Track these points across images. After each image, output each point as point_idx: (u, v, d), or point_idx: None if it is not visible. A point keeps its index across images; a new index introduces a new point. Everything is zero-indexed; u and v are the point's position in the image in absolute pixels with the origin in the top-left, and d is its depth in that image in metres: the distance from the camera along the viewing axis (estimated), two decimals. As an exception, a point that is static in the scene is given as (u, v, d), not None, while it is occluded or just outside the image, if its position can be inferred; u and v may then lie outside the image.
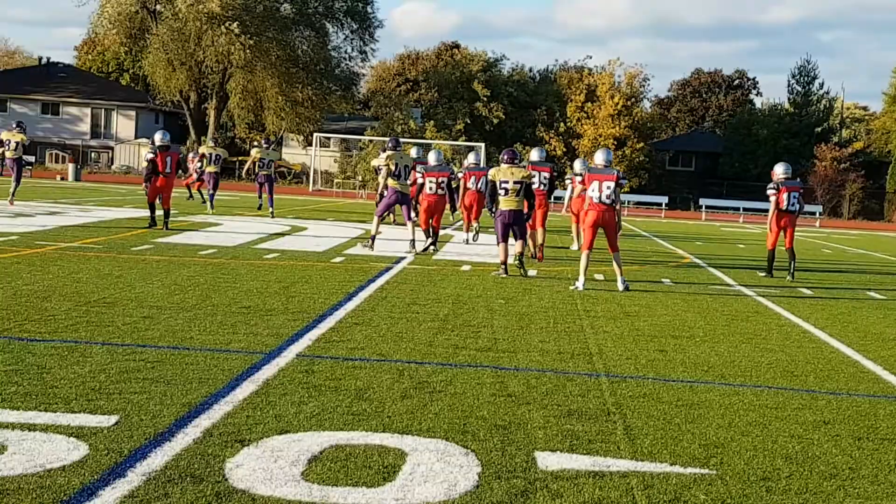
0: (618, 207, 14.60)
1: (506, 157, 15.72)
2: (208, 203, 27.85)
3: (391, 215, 25.18)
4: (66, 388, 6.85)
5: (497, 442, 6.22)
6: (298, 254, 16.92)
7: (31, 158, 56.64)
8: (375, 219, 18.70)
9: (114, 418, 6.21)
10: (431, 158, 19.88)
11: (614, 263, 14.72)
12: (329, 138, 66.33)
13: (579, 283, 14.34)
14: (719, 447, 6.46)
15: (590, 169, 14.89)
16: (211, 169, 28.17)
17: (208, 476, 5.25)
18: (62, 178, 48.62)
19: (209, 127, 65.01)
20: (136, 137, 68.40)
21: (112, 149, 66.85)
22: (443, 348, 9.13)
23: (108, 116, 70.48)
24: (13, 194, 25.63)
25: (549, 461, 5.89)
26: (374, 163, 19.31)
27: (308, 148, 66.48)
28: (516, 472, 5.63)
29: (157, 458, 5.48)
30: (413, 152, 21.53)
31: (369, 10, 66.00)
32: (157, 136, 20.39)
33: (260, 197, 28.52)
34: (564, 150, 70.36)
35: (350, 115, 71.92)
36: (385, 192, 18.37)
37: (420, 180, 19.25)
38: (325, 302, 11.46)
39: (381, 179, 18.54)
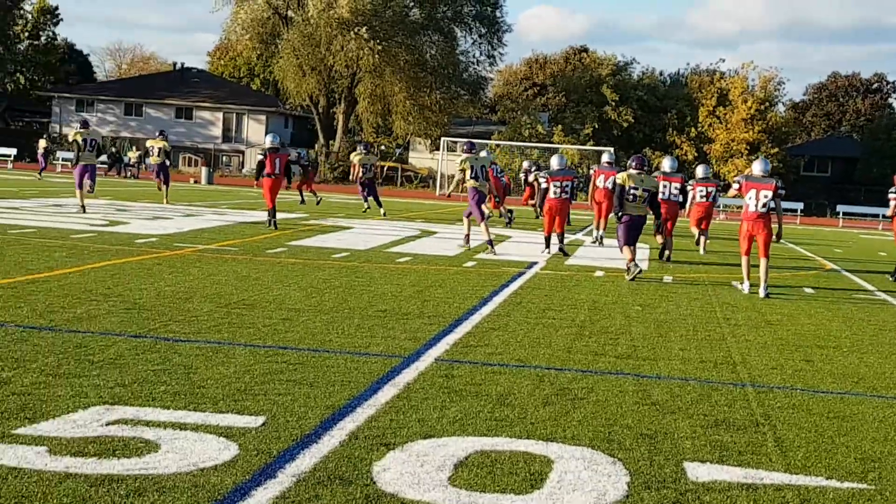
0: (776, 216, 14.67)
1: (635, 163, 15.94)
2: (377, 207, 28.26)
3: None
4: (213, 389, 6.94)
5: (644, 451, 6.09)
6: (430, 258, 16.95)
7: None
8: (465, 220, 19.30)
9: (261, 419, 6.27)
10: (555, 162, 19.75)
11: (760, 269, 14.49)
12: (456, 142, 66.55)
13: (745, 287, 14.70)
14: (876, 461, 6.23)
15: (747, 177, 14.81)
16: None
17: (356, 479, 5.25)
18: (195, 182, 49.74)
19: (337, 131, 65.82)
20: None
21: (243, 152, 68.19)
22: (581, 355, 9.02)
23: (239, 120, 71.92)
24: (167, 196, 28.33)
25: (699, 472, 5.74)
26: (455, 167, 19.69)
27: (435, 152, 66.90)
28: (666, 483, 5.51)
29: (306, 460, 5.50)
30: (483, 153, 21.65)
31: (498, 14, 66.09)
32: (268, 139, 21.17)
33: (365, 200, 28.75)
34: (696, 154, 69.46)
35: (477, 119, 72.12)
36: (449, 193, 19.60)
37: (544, 184, 19.36)
38: (460, 306, 11.44)
39: (454, 182, 19.43)
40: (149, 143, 30.53)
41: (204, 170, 49.95)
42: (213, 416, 6.27)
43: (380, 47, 59.46)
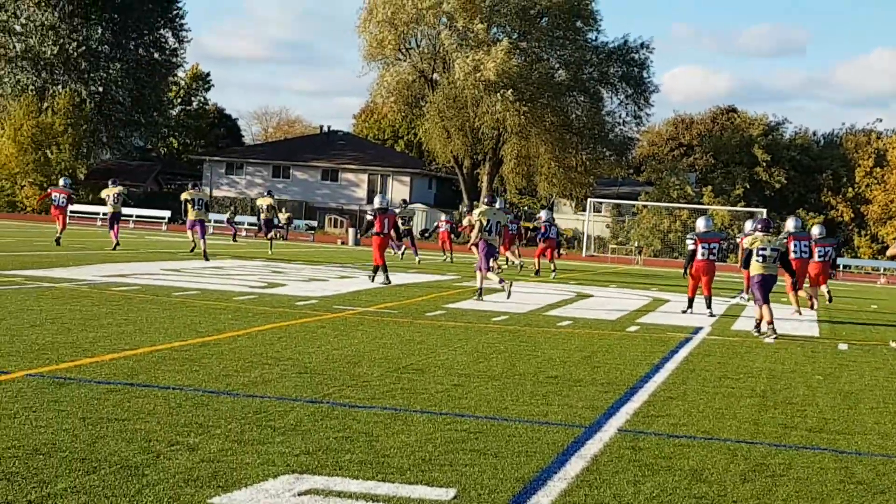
0: None
1: (760, 226, 16.68)
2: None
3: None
4: (397, 458, 6.79)
5: (862, 536, 5.70)
6: (591, 322, 16.65)
7: (301, 222, 58.96)
8: (478, 273, 19.79)
9: (452, 491, 6.08)
10: (701, 224, 19.47)
11: None
12: (601, 203, 66.23)
13: None
14: None
15: None
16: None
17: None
18: (342, 243, 50.33)
19: (482, 192, 66.09)
20: (411, 203, 70.24)
21: (388, 214, 68.89)
22: (770, 427, 8.62)
23: (383, 182, 72.83)
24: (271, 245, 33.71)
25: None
26: (473, 218, 20.60)
27: (580, 213, 66.62)
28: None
29: (507, 539, 5.28)
30: (497, 203, 22.37)
31: (645, 75, 65.80)
32: (377, 200, 22.39)
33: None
34: (852, 215, 67.71)
35: (622, 179, 71.65)
36: (477, 244, 19.96)
37: (692, 246, 19.19)
38: (631, 373, 11.13)
39: (474, 233, 20.09)
40: (258, 202, 34.15)
41: (351, 231, 50.53)
42: (403, 488, 6.11)
43: (525, 108, 59.62)
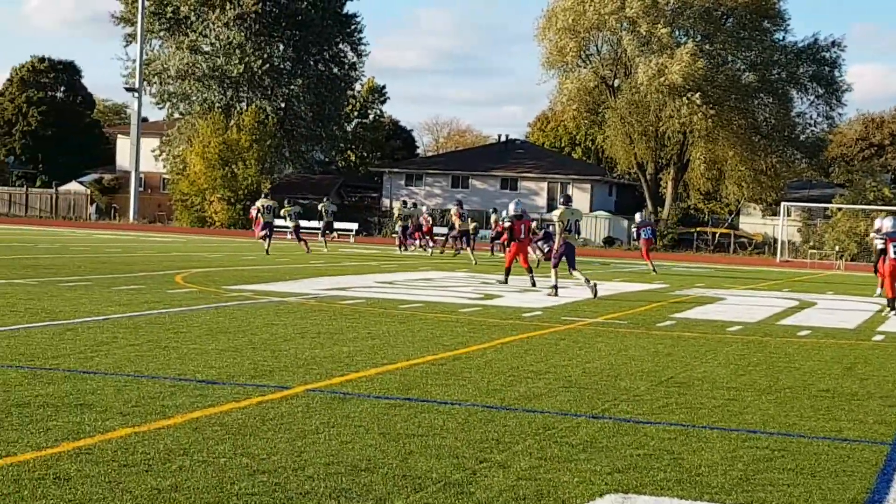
0: None
1: None
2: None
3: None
4: (710, 476, 6.56)
5: None
6: (830, 331, 16.07)
7: (486, 232, 58.91)
8: (553, 271, 20.85)
9: (790, 514, 5.84)
10: (888, 224, 19.05)
11: None
12: (791, 206, 64.56)
13: None
14: None
15: None
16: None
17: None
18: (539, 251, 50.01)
19: (666, 198, 65.15)
20: (591, 210, 69.77)
21: (569, 222, 68.47)
22: None
23: (563, 190, 72.49)
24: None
25: None
26: (554, 218, 21.57)
27: (768, 217, 65.03)
28: None
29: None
30: (511, 207, 23.06)
31: (837, 74, 63.84)
32: (511, 207, 23.09)
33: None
34: None
35: (813, 182, 69.63)
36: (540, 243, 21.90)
37: (881, 245, 19.02)
38: (902, 385, 10.64)
39: (557, 233, 20.96)
40: (320, 207, 41.93)
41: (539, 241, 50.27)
42: (738, 510, 5.89)
43: (712, 112, 58.54)
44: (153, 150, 72.85)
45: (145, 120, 78.32)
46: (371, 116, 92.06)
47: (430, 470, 6.48)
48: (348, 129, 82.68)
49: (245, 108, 69.46)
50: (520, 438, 7.44)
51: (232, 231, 62.17)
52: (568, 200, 21.56)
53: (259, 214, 34.34)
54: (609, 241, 63.48)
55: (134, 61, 70.93)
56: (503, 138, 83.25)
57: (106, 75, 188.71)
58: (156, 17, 69.05)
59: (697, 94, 57.90)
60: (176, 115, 72.78)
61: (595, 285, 20.57)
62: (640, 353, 12.31)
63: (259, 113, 68.56)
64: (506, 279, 23.09)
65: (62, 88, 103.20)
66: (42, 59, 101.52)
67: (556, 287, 20.54)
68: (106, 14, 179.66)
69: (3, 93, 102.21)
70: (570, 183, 72.51)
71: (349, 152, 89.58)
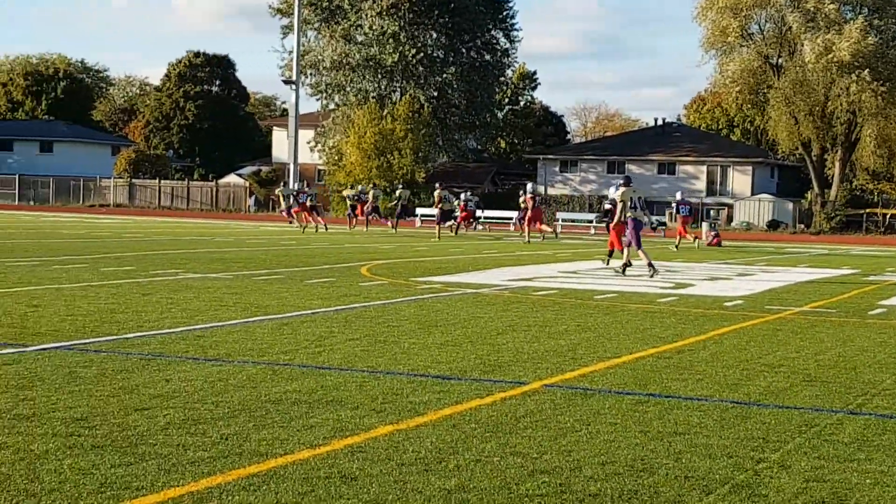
0: None
1: None
2: None
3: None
4: None
5: None
6: None
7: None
8: (626, 249, 21.05)
9: None
10: None
11: None
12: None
13: None
14: None
15: None
16: None
17: None
18: (696, 238, 49.24)
19: (833, 179, 63.25)
20: (753, 193, 68.23)
21: (730, 205, 67.06)
22: None
23: (723, 173, 71.12)
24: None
25: None
26: (611, 198, 22.03)
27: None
28: None
29: None
30: (611, 190, 22.94)
31: None
32: (611, 191, 22.97)
33: None
34: None
35: None
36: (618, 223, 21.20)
37: None
38: None
39: (618, 212, 21.18)
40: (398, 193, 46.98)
41: (705, 226, 49.33)
42: None
43: (883, 89, 56.56)
44: (308, 142, 73.96)
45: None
46: (522, 103, 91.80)
47: (710, 470, 6.30)
48: (500, 116, 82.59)
49: (399, 97, 69.96)
50: (787, 437, 7.20)
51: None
52: (628, 181, 21.68)
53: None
54: (773, 225, 61.93)
55: (290, 53, 72.08)
56: (659, 122, 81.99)
57: (254, 68, 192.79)
58: (311, 7, 70.04)
59: (867, 71, 56.02)
60: (331, 106, 73.73)
61: (654, 272, 20.60)
62: (868, 344, 11.87)
63: (413, 102, 68.97)
64: (609, 260, 23.12)
65: (217, 82, 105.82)
66: (197, 54, 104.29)
67: (651, 264, 20.71)
68: (252, 7, 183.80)
69: (160, 88, 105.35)
70: (731, 166, 71.01)
71: (500, 140, 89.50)
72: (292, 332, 11.66)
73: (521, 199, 40.51)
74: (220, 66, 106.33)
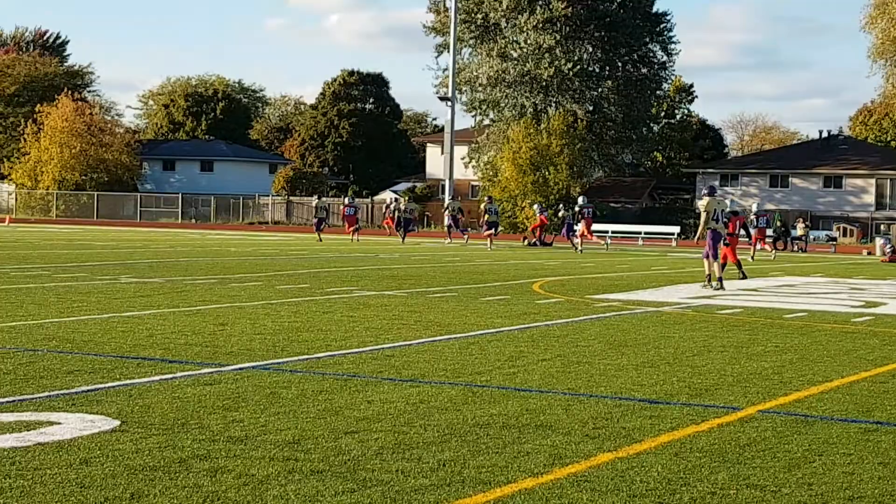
0: None
1: None
2: None
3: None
4: None
5: None
6: None
7: (819, 233, 56.45)
8: (705, 261, 20.92)
9: None
10: None
11: None
12: None
13: None
14: None
15: None
16: None
17: None
18: (869, 253, 47.67)
19: None
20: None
21: (900, 220, 64.53)
22: None
23: (893, 187, 68.58)
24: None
25: None
26: (700, 205, 22.26)
27: None
28: None
29: None
30: (727, 203, 23.42)
31: None
32: (727, 204, 23.48)
33: None
34: None
35: None
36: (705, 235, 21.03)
37: None
38: None
39: (701, 223, 21.24)
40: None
41: (879, 241, 47.59)
42: None
43: None
44: (462, 158, 74.14)
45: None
46: (678, 116, 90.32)
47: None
48: (655, 129, 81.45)
49: (554, 111, 69.58)
50: None
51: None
52: (713, 191, 21.82)
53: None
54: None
55: (444, 71, 72.48)
56: (823, 134, 79.54)
57: (404, 85, 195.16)
58: (466, 25, 70.27)
59: None
60: (486, 122, 73.79)
61: (708, 286, 20.73)
62: None
63: (568, 116, 68.50)
64: (741, 274, 23.55)
65: (371, 100, 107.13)
66: (351, 73, 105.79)
67: (720, 280, 20.62)
68: (400, 26, 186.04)
69: (315, 106, 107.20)
70: (904, 179, 68.41)
71: (656, 153, 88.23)
72: (481, 352, 11.46)
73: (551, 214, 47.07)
74: (374, 84, 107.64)
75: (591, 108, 70.83)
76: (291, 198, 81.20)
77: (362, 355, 11.07)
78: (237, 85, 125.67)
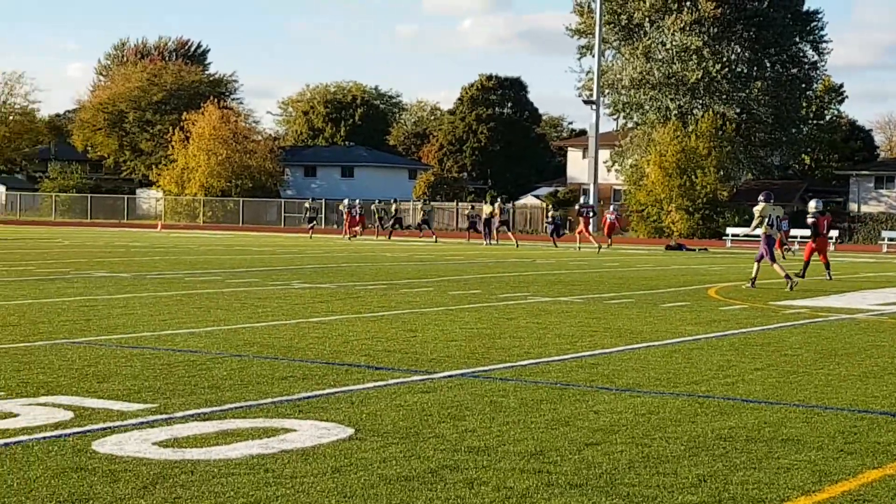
0: None
1: None
2: None
3: None
4: None
5: None
6: None
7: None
8: (756, 264, 21.83)
9: None
10: None
11: None
12: None
13: None
14: None
15: None
16: None
17: None
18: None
19: None
20: None
21: None
22: None
23: None
24: None
25: None
26: (755, 210, 22.16)
27: None
28: None
29: None
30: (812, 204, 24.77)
31: None
32: (812, 204, 24.71)
33: None
34: None
35: None
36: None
37: None
38: None
39: (753, 226, 22.10)
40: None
41: None
42: None
43: None
44: (605, 161, 73.40)
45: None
46: (828, 117, 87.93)
47: None
48: (805, 131, 79.43)
49: (701, 113, 68.35)
50: None
51: (691, 241, 60.97)
52: (769, 197, 21.99)
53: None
54: None
55: (587, 73, 71.93)
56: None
57: (538, 88, 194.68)
58: (610, 26, 69.57)
59: None
60: (629, 125, 72.94)
61: (792, 284, 20.81)
62: None
63: (717, 118, 67.24)
64: (803, 273, 23.52)
65: (509, 104, 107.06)
66: (489, 77, 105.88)
67: (788, 276, 21.03)
68: (533, 29, 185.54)
69: (453, 111, 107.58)
70: None
71: (805, 155, 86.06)
72: (686, 361, 11.13)
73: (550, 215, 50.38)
74: (513, 88, 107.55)
75: (737, 110, 69.39)
76: (432, 203, 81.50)
77: (566, 363, 10.84)
78: (374, 91, 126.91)
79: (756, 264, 21.79)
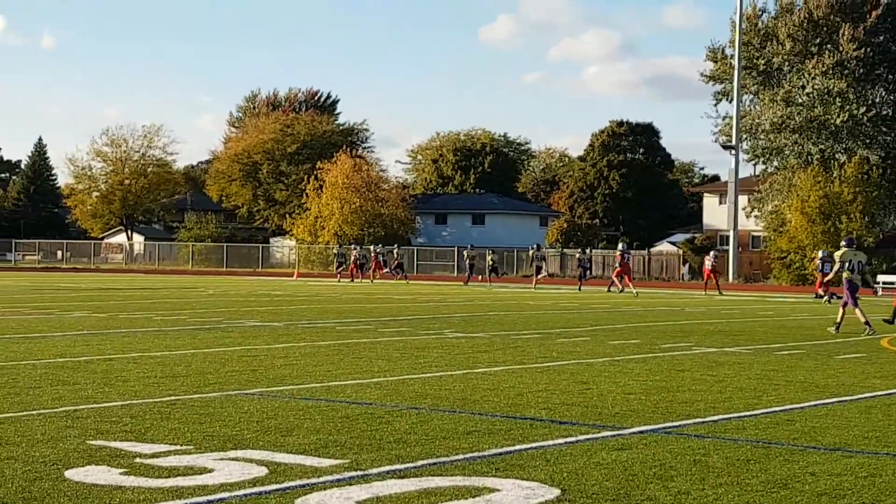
0: None
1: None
2: None
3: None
4: None
5: None
6: None
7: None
8: (841, 309, 21.64)
9: None
10: None
11: None
12: None
13: None
14: None
15: None
16: None
17: None
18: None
19: None
20: None
21: None
22: None
23: None
24: None
25: None
26: (835, 255, 22.37)
27: None
28: None
29: None
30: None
31: None
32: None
33: None
34: None
35: None
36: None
37: None
38: None
39: (834, 272, 22.24)
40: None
41: None
42: None
43: None
44: (743, 207, 71.87)
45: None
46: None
47: None
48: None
49: (844, 158, 66.47)
50: None
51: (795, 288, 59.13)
52: (851, 243, 22.15)
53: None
54: None
55: (724, 118, 70.77)
56: None
57: (668, 134, 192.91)
58: (747, 71, 68.32)
59: None
60: (769, 170, 71.33)
61: (870, 331, 20.85)
62: None
63: (862, 163, 65.36)
64: (893, 319, 22.72)
65: (640, 150, 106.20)
66: (620, 123, 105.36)
67: (867, 322, 21.04)
68: (659, 76, 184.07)
69: (584, 158, 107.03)
70: None
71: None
72: (886, 416, 10.53)
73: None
74: (644, 134, 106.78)
75: (881, 154, 67.33)
76: (565, 250, 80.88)
77: (759, 419, 10.28)
78: (502, 138, 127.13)
79: (841, 308, 21.74)
